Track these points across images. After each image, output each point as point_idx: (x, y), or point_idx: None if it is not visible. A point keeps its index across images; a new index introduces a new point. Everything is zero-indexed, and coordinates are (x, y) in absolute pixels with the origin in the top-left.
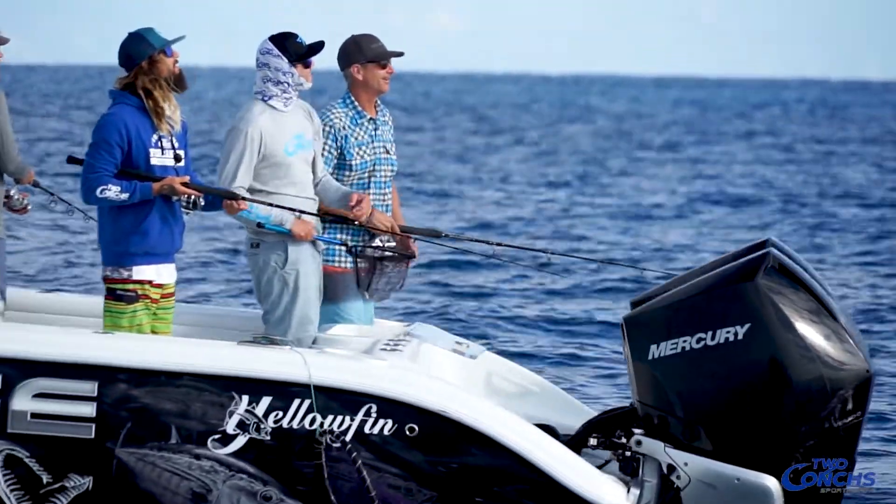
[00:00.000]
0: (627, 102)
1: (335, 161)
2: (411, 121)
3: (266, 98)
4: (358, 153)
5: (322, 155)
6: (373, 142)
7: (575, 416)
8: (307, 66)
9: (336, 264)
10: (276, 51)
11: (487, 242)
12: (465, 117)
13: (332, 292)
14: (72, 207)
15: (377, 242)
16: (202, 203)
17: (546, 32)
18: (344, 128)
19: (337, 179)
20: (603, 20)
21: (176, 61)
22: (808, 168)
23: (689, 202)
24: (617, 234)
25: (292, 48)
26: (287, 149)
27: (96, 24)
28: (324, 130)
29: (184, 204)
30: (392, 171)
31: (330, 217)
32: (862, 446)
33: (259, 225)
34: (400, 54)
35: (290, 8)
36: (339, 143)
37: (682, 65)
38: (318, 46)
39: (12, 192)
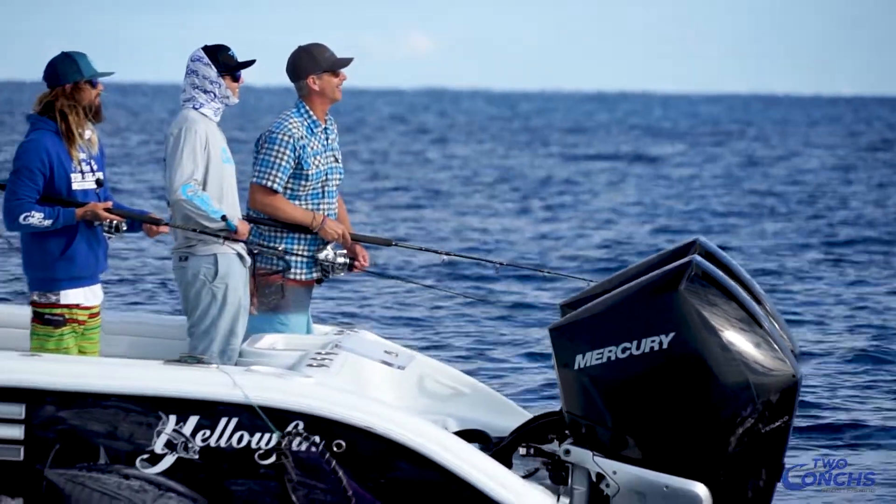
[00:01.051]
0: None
1: (291, 171)
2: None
3: (197, 106)
4: (314, 162)
5: (279, 165)
6: (325, 151)
7: (509, 417)
8: (235, 80)
9: (294, 276)
10: (206, 59)
11: (436, 252)
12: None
13: (285, 304)
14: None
15: (327, 253)
16: (124, 228)
17: None
18: (302, 137)
19: (291, 190)
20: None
21: (98, 93)
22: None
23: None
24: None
25: (222, 59)
26: (222, 157)
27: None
28: (282, 141)
29: (106, 229)
30: (340, 178)
31: (286, 226)
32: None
33: (223, 218)
34: (350, 60)
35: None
36: (297, 154)
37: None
38: (248, 63)
39: None
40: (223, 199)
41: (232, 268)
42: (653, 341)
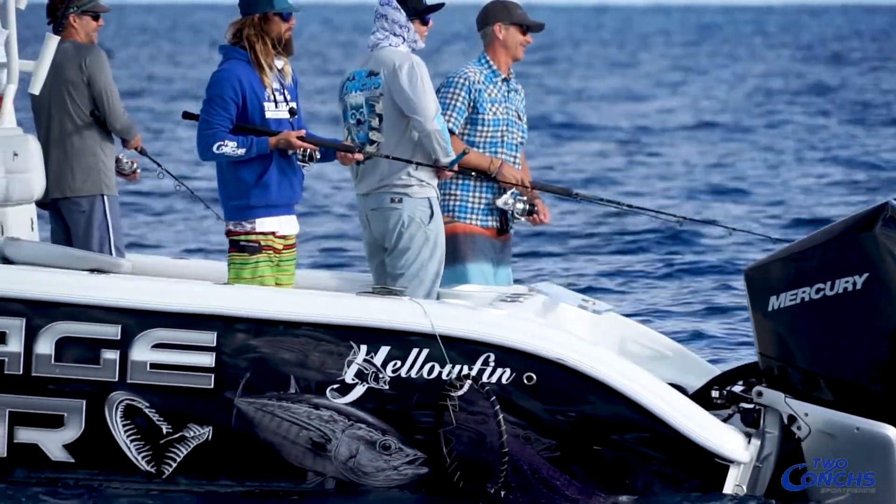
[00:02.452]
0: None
1: (466, 114)
2: None
3: (395, 46)
4: (491, 109)
5: (454, 106)
6: (505, 102)
7: (704, 376)
8: (424, 23)
9: (470, 222)
10: (395, 3)
11: (618, 204)
12: None
13: (463, 252)
14: (181, 184)
15: (506, 198)
16: (318, 156)
17: None
18: (478, 82)
19: (468, 135)
20: None
21: (290, 28)
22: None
23: None
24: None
25: (412, 3)
26: None
27: None
28: (457, 83)
29: (299, 157)
30: (523, 137)
31: (462, 170)
32: None
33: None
34: (542, 26)
35: None
36: (472, 97)
37: None
38: (437, 6)
39: (121, 156)
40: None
41: (439, 211)
42: (846, 282)
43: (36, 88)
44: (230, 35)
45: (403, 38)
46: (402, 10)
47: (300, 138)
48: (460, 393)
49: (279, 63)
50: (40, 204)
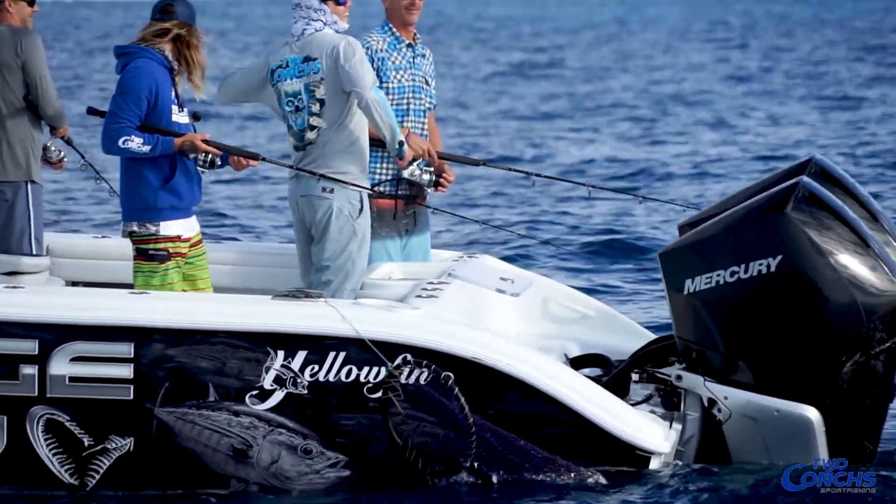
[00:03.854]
0: None
1: None
2: None
3: (319, 29)
4: (395, 77)
5: None
6: (411, 68)
7: (631, 338)
8: (340, 3)
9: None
10: None
11: (527, 173)
12: None
13: (375, 225)
14: (100, 177)
15: (412, 169)
16: (219, 163)
17: None
18: (381, 50)
19: None
20: None
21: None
22: None
23: None
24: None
25: None
26: None
27: None
28: None
29: (200, 162)
30: (431, 103)
31: (373, 143)
32: None
33: (400, 143)
34: None
35: None
36: (375, 66)
37: None
38: None
39: (48, 144)
40: None
41: (368, 204)
42: (760, 264)
43: None
44: (145, 34)
45: (324, 23)
46: None
47: (204, 141)
48: (380, 395)
49: (198, 75)
50: None
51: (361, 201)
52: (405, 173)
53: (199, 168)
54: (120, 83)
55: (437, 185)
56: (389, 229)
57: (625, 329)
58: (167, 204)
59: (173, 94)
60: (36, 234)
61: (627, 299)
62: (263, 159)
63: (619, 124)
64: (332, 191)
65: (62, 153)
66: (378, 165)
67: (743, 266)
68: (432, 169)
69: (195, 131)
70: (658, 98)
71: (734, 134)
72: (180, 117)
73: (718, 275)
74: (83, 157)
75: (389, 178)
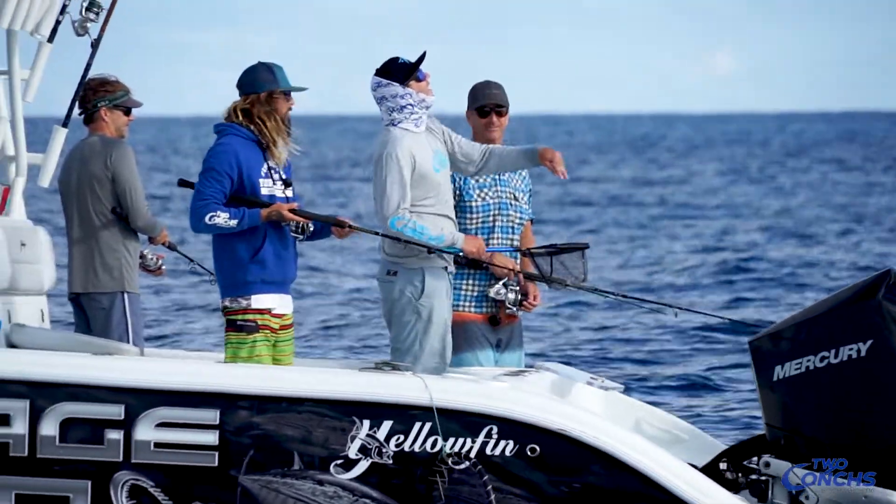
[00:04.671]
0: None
1: (455, 202)
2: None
3: (396, 124)
4: (479, 195)
5: None
6: (496, 185)
7: (713, 455)
8: (420, 80)
9: (463, 310)
10: (384, 81)
11: (607, 293)
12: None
13: (456, 341)
14: (212, 277)
15: (498, 288)
16: (311, 228)
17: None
18: None
19: (458, 223)
20: None
21: (290, 107)
22: None
23: None
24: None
25: (396, 70)
26: (434, 166)
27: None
28: None
29: (293, 229)
30: (520, 218)
31: (456, 261)
32: None
33: (430, 251)
34: (493, 106)
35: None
36: (457, 185)
37: None
38: (420, 58)
39: (146, 252)
40: (444, 204)
41: (438, 287)
42: (850, 349)
43: (45, 181)
44: (229, 113)
45: (411, 105)
46: (393, 83)
47: (292, 211)
48: (466, 466)
49: (281, 143)
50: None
51: (423, 282)
52: (490, 292)
53: (292, 235)
54: (204, 161)
55: (522, 303)
56: (481, 343)
57: (708, 447)
58: (257, 278)
59: (265, 167)
60: (135, 343)
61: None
62: (350, 227)
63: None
64: (395, 273)
65: (160, 260)
66: (464, 283)
67: (833, 351)
68: (517, 288)
69: (288, 202)
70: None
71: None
72: (274, 189)
73: (808, 360)
74: (190, 260)
75: (475, 295)
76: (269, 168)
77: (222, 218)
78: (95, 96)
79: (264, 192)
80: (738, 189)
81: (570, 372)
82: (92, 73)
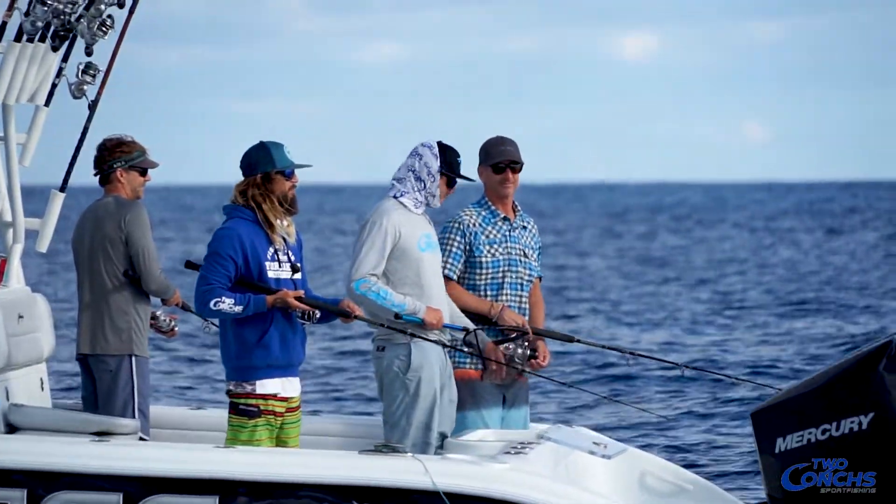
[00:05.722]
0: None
1: (464, 258)
2: None
3: (398, 195)
4: (489, 251)
5: (450, 251)
6: (507, 241)
7: None
8: (450, 185)
9: (469, 367)
10: (436, 149)
11: (621, 351)
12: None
13: (462, 398)
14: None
15: (507, 344)
16: (318, 315)
17: None
18: (473, 224)
19: (468, 279)
20: None
21: (293, 185)
22: None
23: None
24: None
25: (450, 158)
26: (420, 244)
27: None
28: (452, 227)
29: (299, 315)
30: (530, 275)
31: (466, 315)
32: None
33: (396, 316)
34: (508, 163)
35: None
36: (467, 240)
37: None
38: (466, 177)
39: (158, 313)
40: (420, 288)
41: (427, 359)
42: (852, 422)
43: (42, 247)
44: (234, 195)
45: (424, 185)
46: (437, 160)
47: (298, 298)
48: None
49: (284, 222)
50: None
51: (409, 356)
52: (500, 348)
53: (299, 321)
54: (209, 245)
55: (531, 359)
56: (487, 402)
57: (712, 497)
58: (263, 363)
59: (270, 250)
60: (141, 407)
61: None
62: (356, 317)
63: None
64: (383, 349)
65: (173, 322)
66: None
67: (834, 423)
68: (526, 344)
69: (295, 286)
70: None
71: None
72: (280, 272)
73: (810, 433)
74: (205, 319)
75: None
76: (276, 251)
77: (227, 304)
78: (111, 157)
79: (271, 275)
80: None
81: (572, 438)
82: (107, 134)
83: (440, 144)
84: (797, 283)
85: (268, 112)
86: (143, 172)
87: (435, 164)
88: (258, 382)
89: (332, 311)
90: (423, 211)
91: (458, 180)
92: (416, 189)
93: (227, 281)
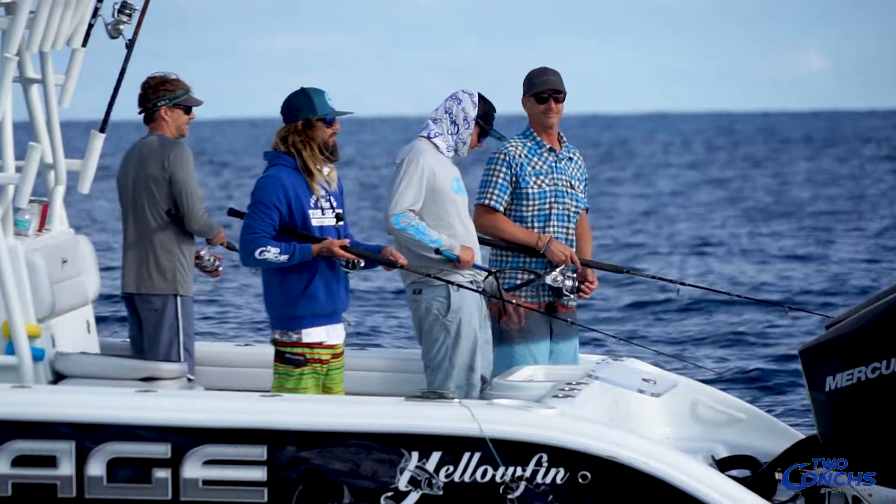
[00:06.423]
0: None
1: (510, 189)
2: None
3: (431, 135)
4: (535, 182)
5: (496, 183)
6: (553, 172)
7: (781, 439)
8: (479, 136)
9: (522, 300)
10: (476, 98)
11: (671, 281)
12: None
13: (516, 332)
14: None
15: (555, 275)
16: (362, 264)
17: None
18: (519, 156)
19: (515, 210)
20: None
21: (334, 133)
22: None
23: None
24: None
25: (487, 110)
26: (452, 186)
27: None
28: (497, 159)
29: (343, 264)
30: (577, 206)
31: (513, 247)
32: None
33: (437, 251)
34: (550, 91)
35: None
36: (513, 171)
37: None
38: (502, 136)
39: (202, 253)
40: (453, 228)
41: (465, 301)
42: None
43: (84, 188)
44: (276, 142)
45: (457, 130)
46: (476, 109)
47: (343, 248)
48: (517, 495)
49: (325, 169)
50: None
51: (449, 298)
52: (547, 279)
53: (343, 269)
54: (252, 194)
55: (579, 290)
56: (535, 335)
57: (774, 430)
58: (307, 312)
59: (314, 197)
60: (186, 345)
61: None
62: (400, 266)
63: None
64: (420, 291)
65: (217, 261)
66: (519, 272)
67: (884, 362)
68: (574, 275)
69: (339, 234)
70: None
71: None
72: (322, 220)
73: (860, 371)
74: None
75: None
76: (320, 197)
77: (272, 253)
78: (155, 95)
79: (314, 223)
80: None
81: (621, 376)
82: (152, 72)
83: (481, 96)
84: None
85: (312, 47)
86: (188, 111)
87: (473, 112)
88: (304, 331)
89: (376, 260)
90: (451, 157)
91: (487, 138)
92: (449, 132)
93: (271, 230)
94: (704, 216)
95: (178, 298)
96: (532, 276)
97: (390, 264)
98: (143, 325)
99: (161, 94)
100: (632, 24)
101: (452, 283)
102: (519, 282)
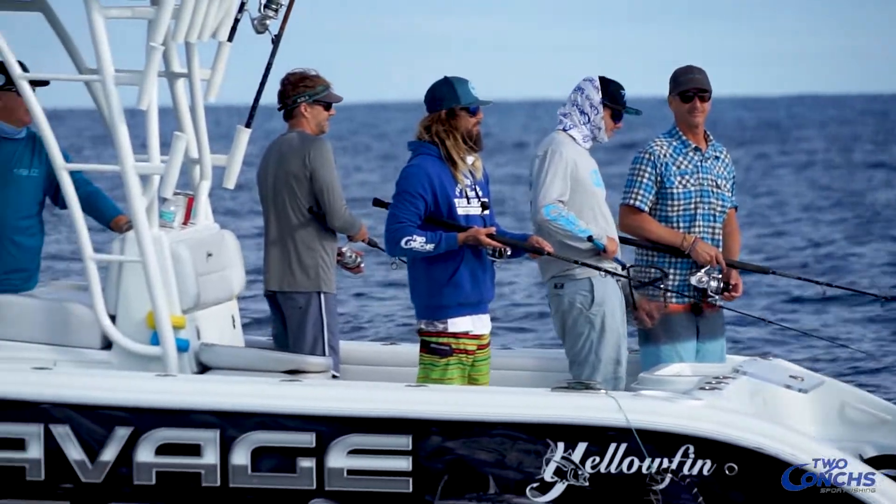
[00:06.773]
0: None
1: (655, 189)
2: None
3: (567, 128)
4: (680, 182)
5: (641, 183)
6: (698, 172)
7: None
8: (615, 118)
9: (667, 301)
10: (597, 83)
11: (816, 282)
12: None
13: (655, 333)
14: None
15: (700, 276)
16: (508, 253)
17: None
18: (664, 155)
19: (660, 210)
20: None
21: (478, 122)
22: None
23: None
24: None
25: (612, 90)
26: (592, 179)
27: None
28: (642, 158)
29: (489, 252)
30: (723, 206)
31: (656, 248)
32: None
33: (589, 239)
34: (695, 91)
35: None
36: (658, 171)
37: None
38: (635, 111)
39: (344, 249)
40: (595, 221)
41: (608, 293)
42: None
43: (230, 183)
44: (420, 131)
45: (588, 119)
46: (599, 92)
47: (489, 236)
48: (663, 486)
49: (470, 158)
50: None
51: (592, 291)
52: (693, 280)
53: (490, 258)
54: (397, 183)
55: (724, 291)
56: (681, 335)
57: None
58: (453, 301)
59: (458, 187)
60: (331, 343)
61: None
62: (547, 254)
63: None
64: (562, 286)
65: (359, 258)
66: (651, 268)
67: None
68: (720, 276)
69: (484, 223)
70: None
71: None
72: (468, 209)
73: None
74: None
75: (676, 284)
76: (465, 187)
77: (418, 242)
78: (295, 91)
79: (460, 212)
80: None
81: (768, 372)
82: (292, 68)
83: (602, 79)
84: None
85: (458, 30)
86: (328, 107)
87: (596, 97)
88: (450, 321)
89: (522, 248)
90: (589, 146)
91: (625, 116)
92: (581, 122)
93: (417, 219)
94: None
95: (322, 296)
96: (659, 275)
97: (537, 251)
98: (287, 323)
99: (301, 90)
100: None
101: (600, 269)
102: (647, 280)
